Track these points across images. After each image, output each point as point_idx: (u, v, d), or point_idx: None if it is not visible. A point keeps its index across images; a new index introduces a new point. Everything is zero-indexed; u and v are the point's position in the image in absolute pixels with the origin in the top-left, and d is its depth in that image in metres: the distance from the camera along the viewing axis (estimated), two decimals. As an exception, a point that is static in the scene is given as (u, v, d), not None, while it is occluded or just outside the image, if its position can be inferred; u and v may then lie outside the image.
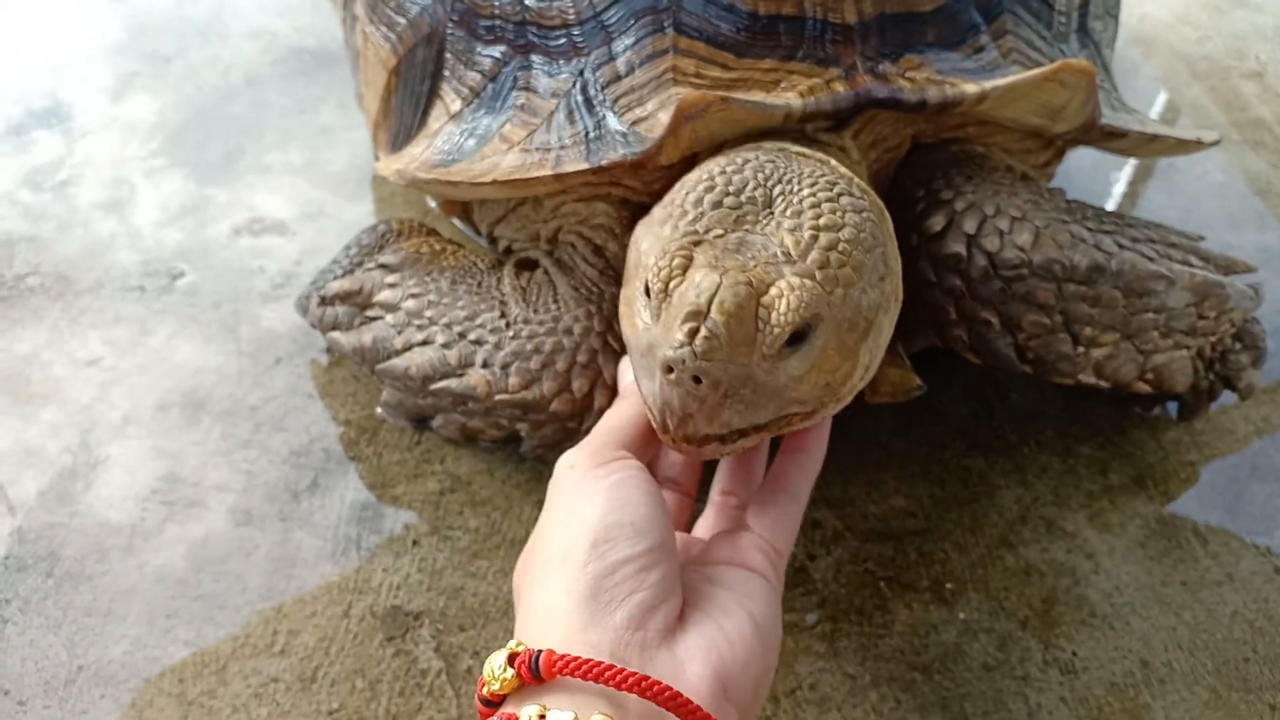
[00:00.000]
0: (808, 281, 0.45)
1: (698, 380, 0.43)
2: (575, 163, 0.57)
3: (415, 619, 0.59)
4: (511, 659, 0.40)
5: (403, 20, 0.67)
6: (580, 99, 0.60)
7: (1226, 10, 1.13)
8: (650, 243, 0.49)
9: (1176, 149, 0.66)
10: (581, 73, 0.60)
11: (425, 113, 0.67)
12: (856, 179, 0.52)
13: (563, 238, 0.65)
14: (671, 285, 0.45)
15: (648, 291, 0.46)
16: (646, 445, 0.49)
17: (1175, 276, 0.60)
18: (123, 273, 0.78)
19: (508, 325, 0.59)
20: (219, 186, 0.86)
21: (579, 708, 0.39)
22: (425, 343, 0.60)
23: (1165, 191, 0.90)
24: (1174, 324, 0.61)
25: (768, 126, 0.57)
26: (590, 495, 0.44)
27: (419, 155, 0.65)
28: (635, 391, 0.50)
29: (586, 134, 0.58)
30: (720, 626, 0.43)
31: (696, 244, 0.46)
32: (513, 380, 0.58)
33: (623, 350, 0.58)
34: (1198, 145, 0.65)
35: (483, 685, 0.41)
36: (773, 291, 0.44)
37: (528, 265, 0.64)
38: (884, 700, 0.57)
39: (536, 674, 0.39)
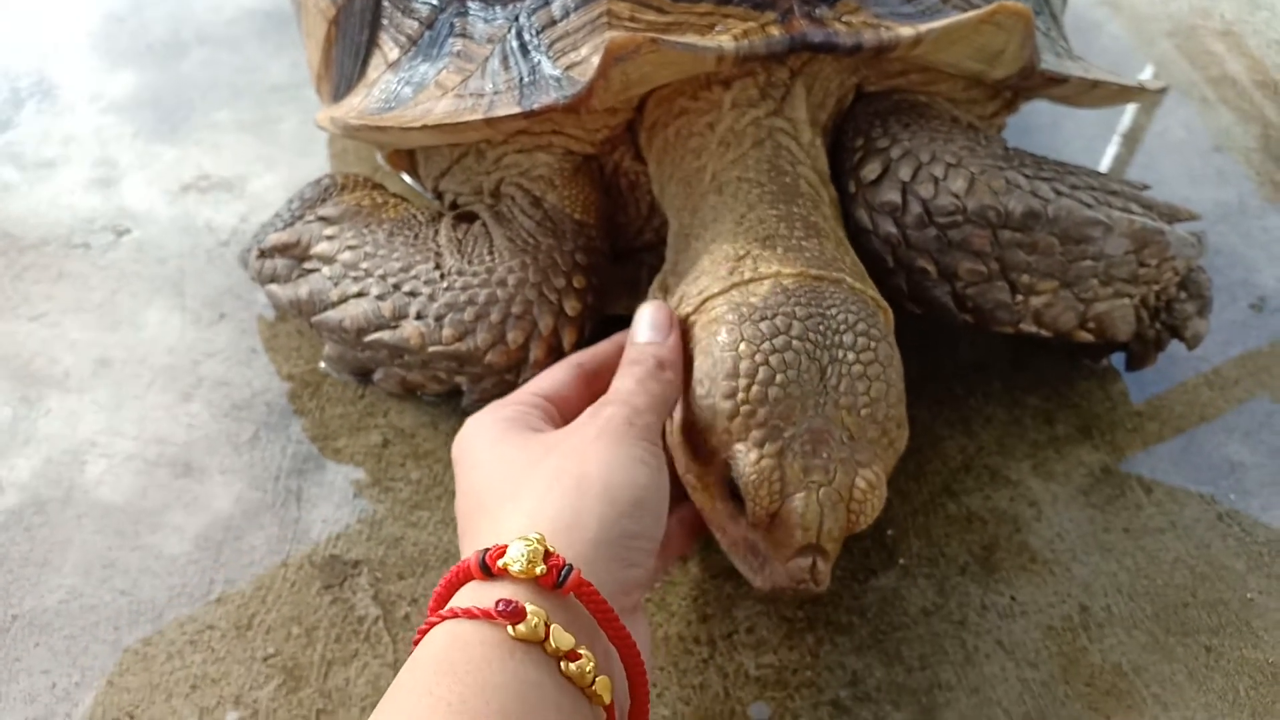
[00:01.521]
0: (879, 471, 0.50)
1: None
2: (508, 107, 0.56)
3: (354, 568, 0.58)
4: (546, 555, 0.40)
5: (341, -32, 0.66)
6: (515, 44, 0.59)
7: (1192, -32, 1.12)
8: (707, 411, 0.51)
9: (1120, 96, 0.65)
10: (517, 18, 0.59)
11: (365, 63, 0.67)
12: (874, 300, 0.55)
13: (504, 190, 0.64)
14: (772, 506, 0.49)
15: (738, 496, 0.50)
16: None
17: (1113, 223, 0.59)
18: (67, 230, 0.77)
19: (442, 277, 0.58)
20: (167, 144, 0.85)
21: (575, 636, 0.39)
22: (360, 295, 0.60)
23: (1125, 148, 0.89)
24: (1114, 271, 0.61)
25: (702, 70, 0.56)
26: (641, 461, 0.46)
27: (356, 105, 0.64)
28: (673, 363, 0.53)
29: (521, 79, 0.58)
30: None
31: (780, 453, 0.49)
32: (446, 332, 0.57)
33: (559, 302, 0.58)
34: (1141, 92, 0.65)
35: (499, 555, 0.40)
36: (856, 494, 0.49)
37: (467, 218, 0.64)
38: (820, 643, 0.57)
39: (560, 583, 0.39)
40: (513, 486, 0.46)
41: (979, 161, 0.59)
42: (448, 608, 0.39)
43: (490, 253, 0.59)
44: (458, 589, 0.41)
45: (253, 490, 0.62)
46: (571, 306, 0.59)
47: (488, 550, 0.40)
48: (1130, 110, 0.93)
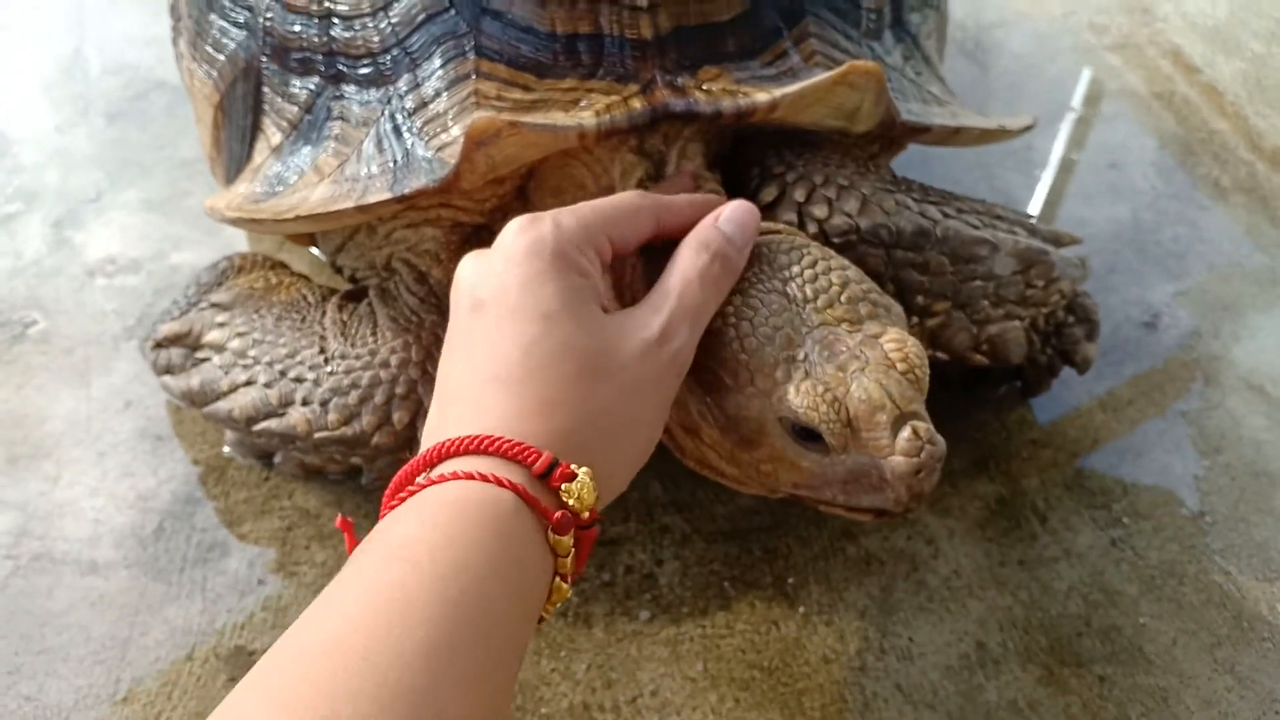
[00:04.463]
0: (899, 330, 0.51)
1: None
2: (379, 193, 0.57)
3: (259, 658, 0.59)
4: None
5: (220, 56, 0.67)
6: (389, 127, 0.60)
7: (1088, -17, 1.15)
8: (726, 395, 0.51)
9: (981, 139, 0.67)
10: (389, 100, 0.60)
11: (251, 146, 0.67)
12: (784, 228, 0.57)
13: (393, 265, 0.65)
14: (840, 414, 0.48)
15: (808, 435, 0.49)
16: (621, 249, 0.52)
17: (999, 243, 0.61)
18: (-26, 324, 0.77)
19: (326, 361, 0.59)
20: (75, 228, 0.85)
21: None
22: (249, 383, 0.60)
23: (1019, 171, 0.91)
24: (1003, 292, 0.62)
25: (566, 147, 0.57)
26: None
27: (241, 192, 0.65)
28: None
29: (395, 162, 0.59)
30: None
31: (808, 372, 0.49)
32: (331, 417, 0.58)
33: None
34: (1003, 134, 0.66)
35: (567, 479, 0.43)
36: (896, 356, 0.49)
37: (355, 297, 0.64)
38: (723, 701, 0.58)
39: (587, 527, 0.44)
40: (570, 390, 0.45)
41: (869, 184, 0.61)
42: (494, 474, 0.42)
43: (374, 334, 0.60)
44: (477, 455, 0.43)
45: (157, 583, 0.62)
46: None
47: (557, 464, 0.43)
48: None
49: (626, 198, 0.53)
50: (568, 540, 0.43)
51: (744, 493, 0.59)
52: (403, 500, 0.42)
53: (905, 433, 0.47)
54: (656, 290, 0.50)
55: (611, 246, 0.51)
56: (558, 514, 0.42)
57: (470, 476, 0.42)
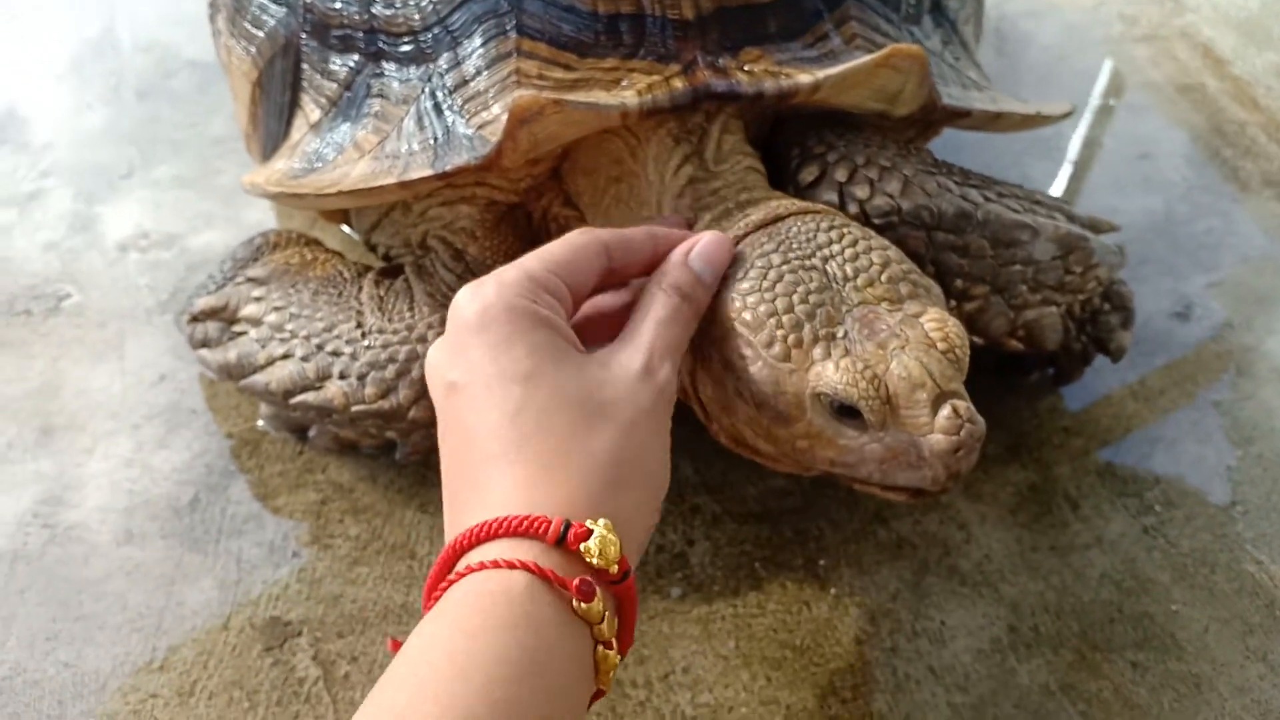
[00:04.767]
0: (939, 310, 0.51)
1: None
2: (421, 169, 0.57)
3: (293, 628, 0.59)
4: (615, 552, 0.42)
5: (260, 33, 0.67)
6: (429, 105, 0.60)
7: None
8: (764, 370, 0.51)
9: (1022, 124, 0.67)
10: (430, 78, 0.61)
11: (289, 123, 0.68)
12: (824, 209, 0.56)
13: (429, 243, 0.66)
14: (880, 390, 0.48)
15: (847, 412, 0.49)
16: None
17: (1040, 228, 0.61)
18: (9, 297, 0.78)
19: (363, 335, 0.59)
20: (108, 204, 0.86)
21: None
22: (286, 356, 0.61)
23: (1050, 159, 0.91)
24: (1042, 278, 0.62)
25: (608, 126, 0.57)
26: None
27: (280, 168, 0.65)
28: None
29: (435, 139, 0.59)
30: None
31: (847, 350, 0.49)
32: (368, 390, 0.59)
33: None
34: (1042, 119, 0.66)
35: (583, 537, 0.41)
36: (937, 335, 0.49)
37: (391, 273, 0.65)
38: (754, 679, 0.58)
39: (621, 580, 0.42)
40: (570, 441, 0.44)
41: (911, 166, 0.61)
42: (503, 558, 0.40)
43: (411, 309, 0.60)
44: (490, 540, 0.41)
45: (193, 554, 0.63)
46: None
47: (570, 525, 0.41)
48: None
49: (572, 237, 0.50)
50: (598, 605, 0.40)
51: (777, 471, 0.59)
52: (435, 600, 0.41)
53: (945, 411, 0.47)
54: (630, 328, 0.49)
55: (568, 289, 0.49)
56: (576, 581, 0.40)
57: (481, 566, 0.40)
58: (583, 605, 0.40)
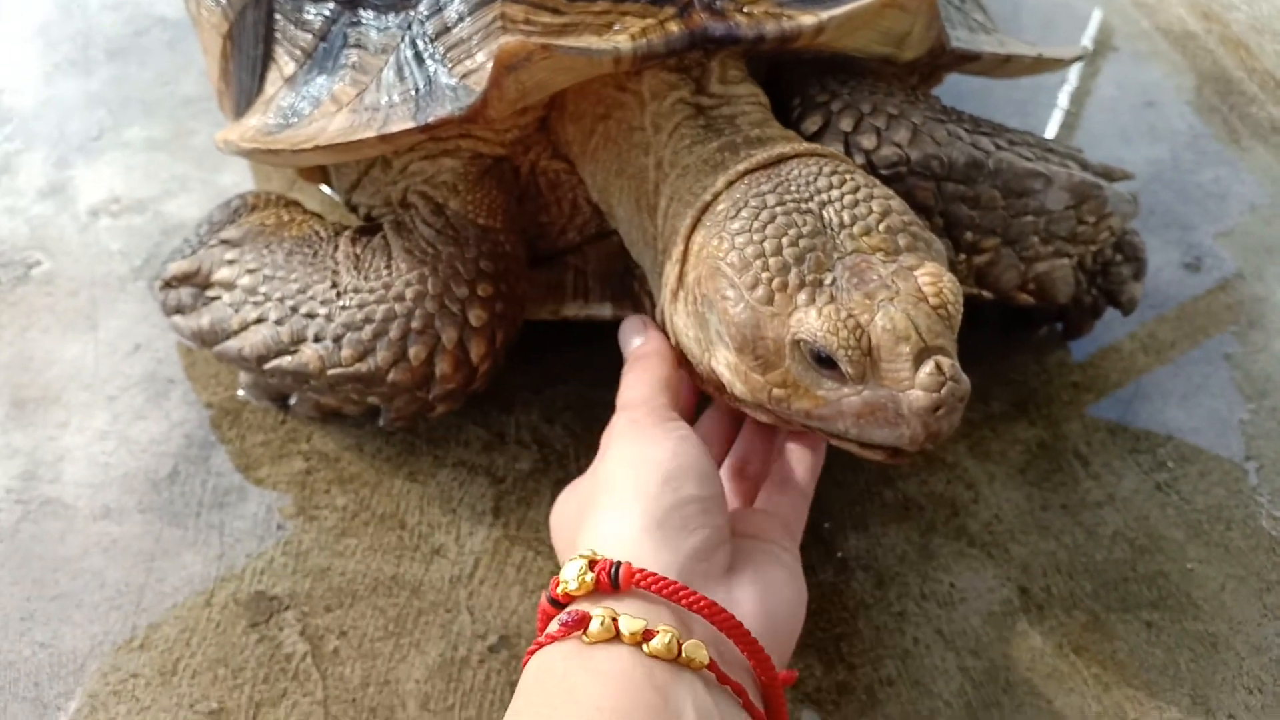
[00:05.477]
0: (936, 265, 0.48)
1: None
2: (402, 122, 0.54)
3: (279, 603, 0.57)
4: (592, 565, 0.43)
5: (229, -19, 0.64)
6: (410, 54, 0.57)
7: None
8: (745, 312, 0.49)
9: (1035, 67, 0.64)
10: (410, 26, 0.57)
11: (262, 78, 0.64)
12: (831, 153, 0.54)
13: (408, 198, 0.63)
14: (861, 342, 0.46)
15: (826, 362, 0.47)
16: (681, 406, 0.55)
17: (1053, 176, 0.58)
18: (-25, 266, 0.75)
19: (338, 295, 0.57)
20: (78, 168, 0.82)
21: (649, 618, 0.42)
22: (260, 320, 0.58)
23: (1057, 107, 0.88)
24: (1054, 229, 0.60)
25: (600, 73, 0.54)
26: (656, 441, 0.49)
27: (254, 125, 0.62)
28: (656, 349, 0.56)
29: (417, 90, 0.56)
30: (764, 577, 0.48)
31: (833, 297, 0.47)
32: (345, 353, 0.56)
33: (463, 313, 0.56)
34: (1053, 63, 0.64)
35: (556, 585, 0.44)
36: (929, 289, 0.47)
37: (369, 231, 0.62)
38: (759, 648, 0.56)
39: (615, 582, 0.42)
40: (576, 525, 0.50)
41: (919, 113, 0.58)
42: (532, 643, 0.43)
43: (388, 266, 0.58)
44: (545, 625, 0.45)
45: (172, 528, 0.60)
46: (477, 317, 0.57)
47: (545, 588, 0.46)
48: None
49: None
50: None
51: (757, 421, 0.57)
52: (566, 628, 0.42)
53: (927, 367, 0.45)
54: None
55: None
56: (563, 621, 0.42)
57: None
58: (650, 645, 0.41)
